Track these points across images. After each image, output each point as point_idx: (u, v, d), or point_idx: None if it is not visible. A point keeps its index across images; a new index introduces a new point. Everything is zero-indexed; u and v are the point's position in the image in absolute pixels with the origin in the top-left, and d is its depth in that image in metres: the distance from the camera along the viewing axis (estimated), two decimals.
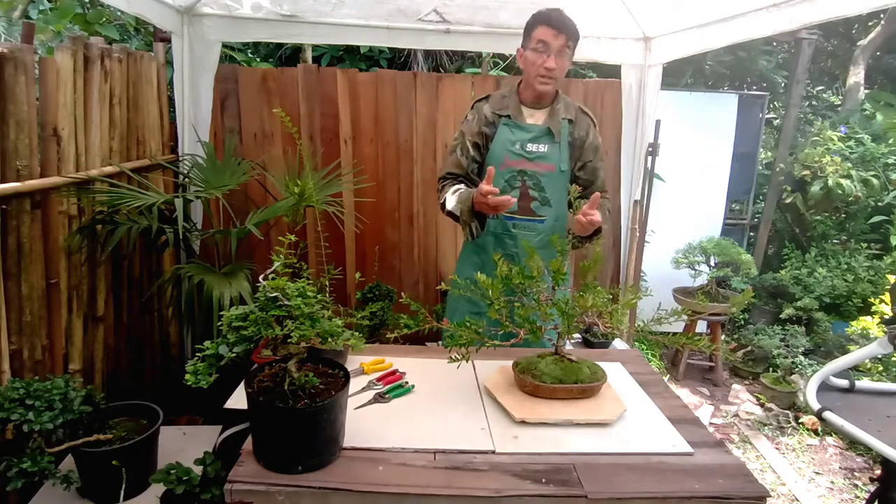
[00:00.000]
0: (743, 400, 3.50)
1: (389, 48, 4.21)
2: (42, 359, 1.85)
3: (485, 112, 2.03)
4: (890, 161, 4.15)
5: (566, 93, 3.26)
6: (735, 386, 3.66)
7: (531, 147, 1.97)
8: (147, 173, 2.51)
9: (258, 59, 4.25)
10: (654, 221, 3.54)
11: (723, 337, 3.91)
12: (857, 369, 2.99)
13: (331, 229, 2.79)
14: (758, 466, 2.83)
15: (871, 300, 3.66)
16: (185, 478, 1.37)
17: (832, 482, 2.72)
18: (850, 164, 4.08)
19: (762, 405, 3.40)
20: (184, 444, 1.78)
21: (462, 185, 2.00)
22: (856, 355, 1.76)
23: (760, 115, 4.25)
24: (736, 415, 3.32)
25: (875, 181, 4.04)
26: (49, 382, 1.50)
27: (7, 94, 1.68)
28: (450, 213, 1.99)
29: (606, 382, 1.44)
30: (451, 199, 1.96)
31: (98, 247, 2.14)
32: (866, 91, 5.09)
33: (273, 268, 1.16)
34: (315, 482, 1.09)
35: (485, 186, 1.70)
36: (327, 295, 1.39)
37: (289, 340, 1.09)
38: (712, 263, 3.59)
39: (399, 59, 4.39)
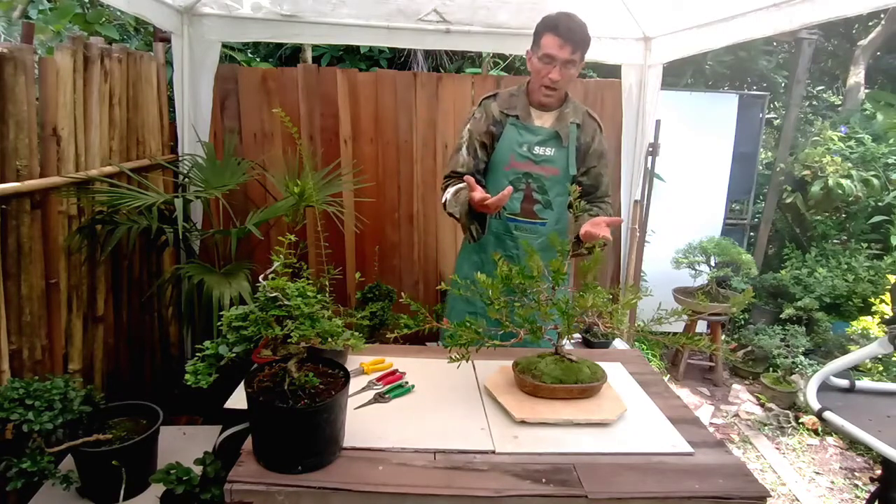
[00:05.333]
0: (743, 400, 3.49)
1: (389, 48, 4.21)
2: (42, 359, 1.85)
3: (493, 110, 1.99)
4: (890, 161, 4.15)
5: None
6: (735, 386, 3.66)
7: (538, 150, 1.95)
8: (147, 173, 2.51)
9: (258, 59, 4.25)
10: (654, 221, 3.54)
11: (723, 337, 3.91)
12: (857, 369, 2.99)
13: (331, 229, 2.79)
14: (758, 466, 2.83)
15: (872, 300, 3.65)
16: (184, 478, 1.37)
17: (832, 482, 2.72)
18: (850, 164, 4.08)
19: (762, 405, 3.40)
20: (184, 444, 1.78)
21: (462, 186, 1.96)
22: (856, 355, 1.76)
23: (760, 115, 4.25)
24: (736, 415, 3.32)
25: (875, 181, 4.04)
26: (49, 382, 1.50)
27: (7, 94, 1.68)
28: (451, 215, 1.98)
29: (606, 382, 1.44)
30: (451, 200, 1.94)
31: (98, 247, 2.14)
32: (867, 91, 5.09)
33: (273, 268, 1.16)
34: (315, 482, 1.09)
35: (476, 195, 1.68)
36: (327, 295, 1.39)
37: (289, 340, 1.09)
38: (712, 263, 3.59)
39: (399, 59, 4.39)
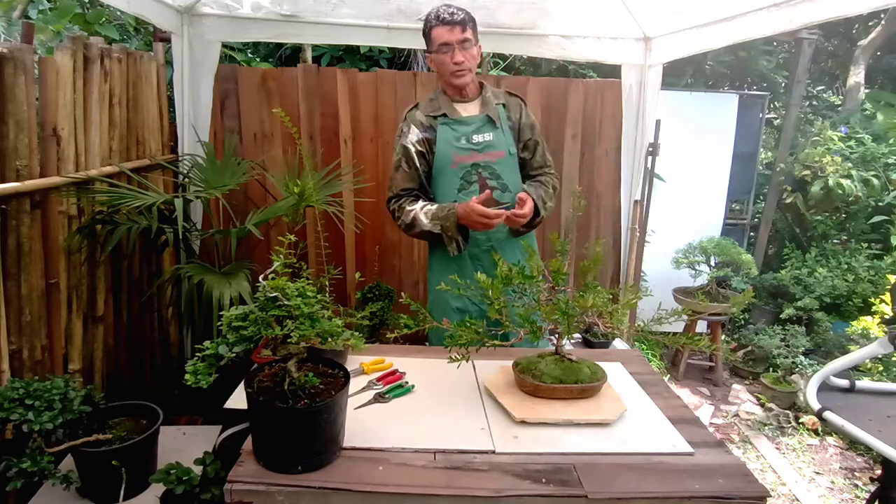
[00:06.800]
0: (743, 400, 3.49)
1: (389, 48, 4.21)
2: (42, 359, 1.85)
3: (419, 118, 2.02)
4: (890, 161, 4.15)
5: (567, 93, 3.29)
6: (735, 386, 3.66)
7: (477, 138, 1.98)
8: (147, 173, 2.51)
9: (258, 59, 4.25)
10: (654, 221, 3.54)
11: (723, 337, 3.91)
12: (857, 369, 2.99)
13: (331, 229, 2.79)
14: (758, 466, 2.83)
15: (872, 300, 3.65)
16: (184, 478, 1.38)
17: (832, 482, 2.72)
18: (850, 164, 4.08)
19: (762, 405, 3.40)
20: (184, 444, 1.78)
21: (426, 203, 1.99)
22: (856, 355, 1.76)
23: (760, 115, 4.25)
24: (736, 415, 3.32)
25: (875, 181, 4.04)
26: (49, 382, 1.50)
27: (7, 94, 1.68)
28: (421, 234, 1.97)
29: (606, 382, 1.44)
30: (424, 219, 1.94)
31: (98, 247, 2.14)
32: (867, 91, 5.09)
33: (273, 268, 1.16)
34: (315, 482, 1.09)
35: (479, 208, 1.80)
36: (327, 295, 1.39)
37: (289, 340, 1.09)
38: (712, 263, 3.59)
39: (399, 59, 4.39)
